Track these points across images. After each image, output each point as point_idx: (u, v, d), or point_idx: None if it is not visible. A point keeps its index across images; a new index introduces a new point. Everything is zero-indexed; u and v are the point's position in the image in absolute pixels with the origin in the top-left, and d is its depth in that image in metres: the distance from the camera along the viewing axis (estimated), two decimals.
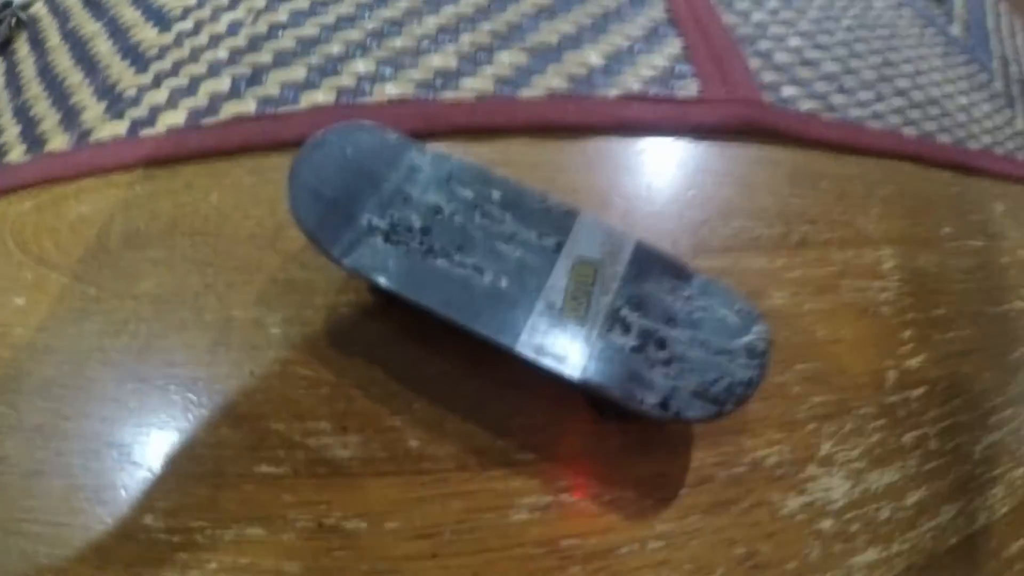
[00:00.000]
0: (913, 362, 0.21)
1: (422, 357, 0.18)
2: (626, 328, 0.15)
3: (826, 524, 0.17)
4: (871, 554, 0.17)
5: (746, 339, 0.16)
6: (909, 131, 0.27)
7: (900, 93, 0.28)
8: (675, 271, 0.16)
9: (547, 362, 0.15)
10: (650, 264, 0.16)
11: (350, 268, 0.16)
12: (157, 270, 0.20)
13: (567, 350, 0.15)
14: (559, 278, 0.16)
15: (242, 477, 0.17)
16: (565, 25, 0.24)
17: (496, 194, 0.17)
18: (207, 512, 0.16)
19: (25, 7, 0.30)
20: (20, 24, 0.30)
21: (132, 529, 0.16)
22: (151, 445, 0.17)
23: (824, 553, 0.17)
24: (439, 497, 0.16)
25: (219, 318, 0.19)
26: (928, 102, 0.29)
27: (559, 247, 0.16)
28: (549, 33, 0.23)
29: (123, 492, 0.17)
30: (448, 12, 0.24)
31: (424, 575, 0.15)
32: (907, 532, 0.18)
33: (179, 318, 0.19)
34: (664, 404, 0.15)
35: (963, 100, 0.31)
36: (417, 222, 0.16)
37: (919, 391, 0.20)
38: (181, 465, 0.17)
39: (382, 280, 0.16)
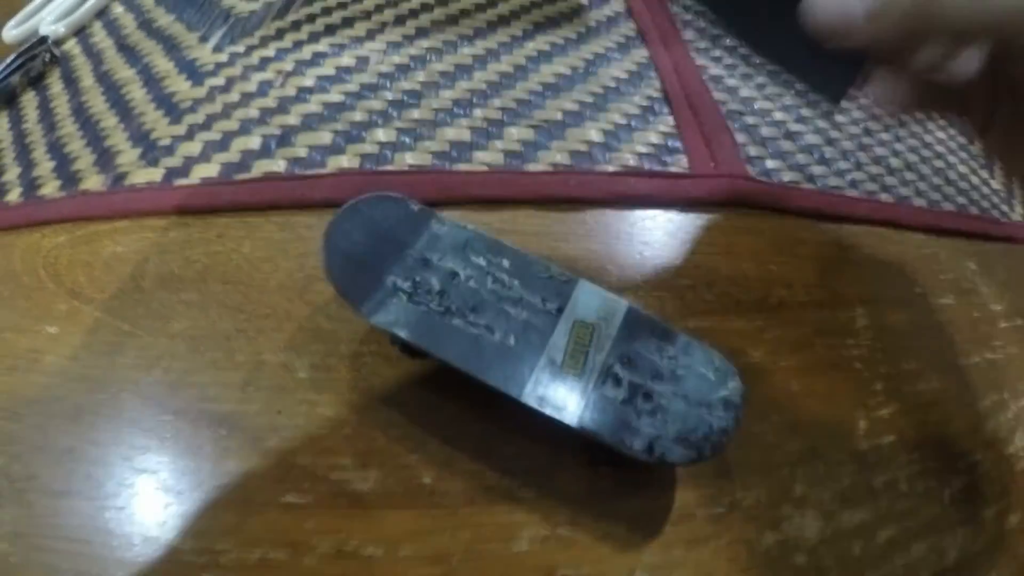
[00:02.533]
0: (883, 412, 0.25)
1: (436, 403, 0.22)
2: (617, 382, 0.20)
3: (800, 559, 0.21)
4: None
5: (722, 393, 0.20)
6: (885, 197, 0.33)
7: (877, 161, 0.34)
8: (661, 332, 0.21)
9: (548, 411, 0.19)
10: (639, 326, 0.21)
11: (377, 324, 0.20)
12: (191, 312, 0.24)
13: (566, 401, 0.19)
14: (560, 338, 0.20)
15: (268, 505, 0.20)
16: (568, 103, 0.29)
17: (506, 262, 0.22)
18: (233, 536, 0.20)
19: (59, 43, 0.36)
20: (54, 60, 0.35)
21: (158, 550, 0.19)
22: (181, 473, 0.21)
23: None
24: (449, 528, 0.20)
25: (250, 360, 0.23)
26: (904, 167, 0.35)
27: (560, 311, 0.21)
28: (553, 110, 0.29)
29: (151, 515, 0.20)
30: (462, 87, 0.30)
31: None
32: (880, 566, 0.21)
33: (212, 358, 0.23)
34: (650, 449, 0.19)
35: (939, 163, 0.37)
36: (436, 285, 0.21)
37: (889, 439, 0.24)
38: (209, 492, 0.20)
39: (404, 335, 0.20)
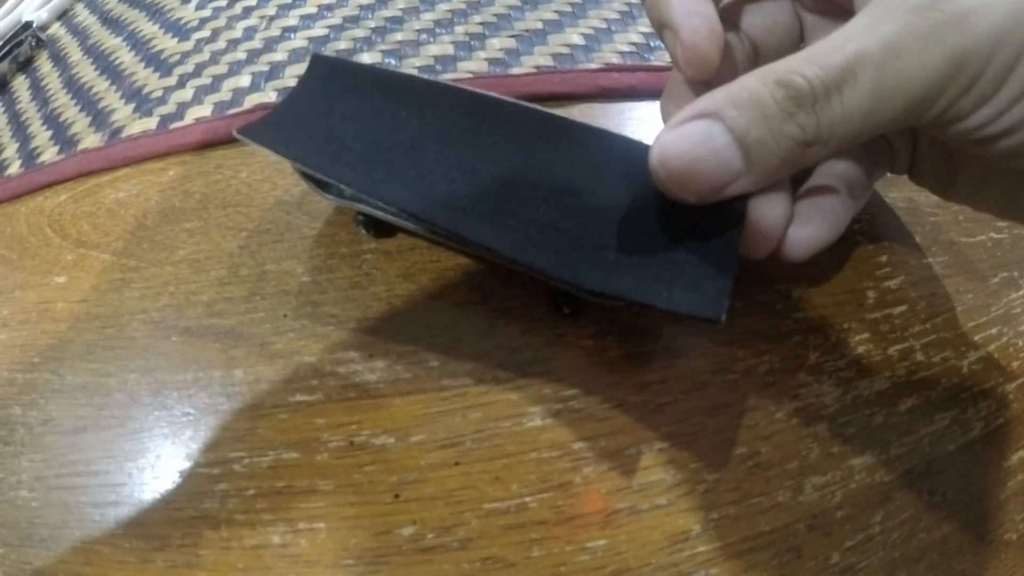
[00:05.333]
0: (891, 283, 0.24)
1: (438, 291, 0.22)
2: None
3: (821, 427, 0.21)
4: (869, 457, 0.20)
5: None
6: None
7: None
8: None
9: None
10: None
11: (337, 202, 0.22)
12: (194, 239, 0.24)
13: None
14: None
15: (277, 407, 0.20)
16: (548, 13, 0.30)
17: None
18: (245, 443, 0.20)
19: (44, 28, 0.37)
20: (40, 44, 0.36)
21: (172, 467, 0.19)
22: (189, 388, 0.21)
23: (823, 454, 0.20)
24: (459, 410, 0.20)
25: (253, 273, 0.23)
26: None
27: None
28: (533, 21, 0.29)
29: (162, 435, 0.20)
30: (442, 8, 0.30)
31: (448, 482, 0.19)
32: (903, 437, 0.21)
33: (216, 276, 0.23)
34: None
35: None
36: None
37: (900, 309, 0.24)
38: (218, 402, 0.21)
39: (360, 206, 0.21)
